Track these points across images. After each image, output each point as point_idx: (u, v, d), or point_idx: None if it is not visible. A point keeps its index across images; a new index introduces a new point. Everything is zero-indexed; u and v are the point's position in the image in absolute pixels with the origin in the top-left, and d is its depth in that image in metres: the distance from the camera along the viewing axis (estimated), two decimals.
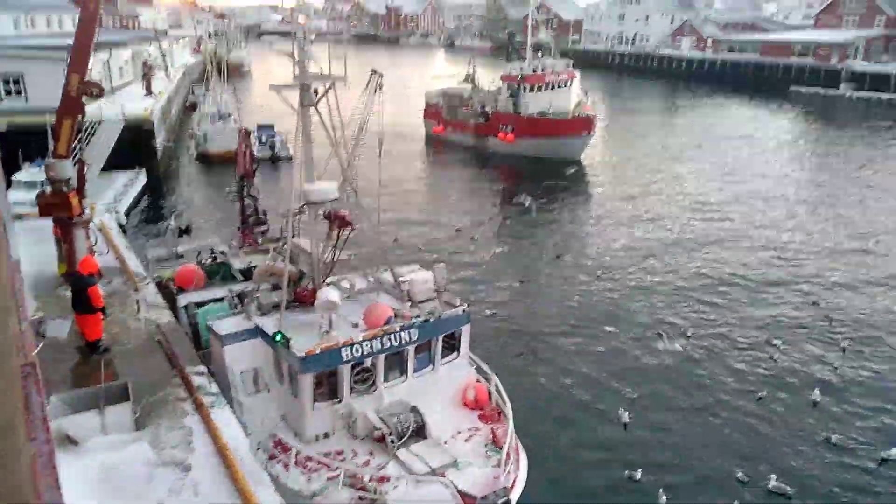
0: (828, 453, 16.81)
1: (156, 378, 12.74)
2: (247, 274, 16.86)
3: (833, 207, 38.36)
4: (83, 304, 13.31)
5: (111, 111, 37.91)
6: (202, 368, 13.13)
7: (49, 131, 16.92)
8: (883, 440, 17.19)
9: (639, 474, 15.75)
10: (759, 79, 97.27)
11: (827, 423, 17.93)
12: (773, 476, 15.56)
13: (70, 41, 17.04)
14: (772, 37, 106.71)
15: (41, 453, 3.31)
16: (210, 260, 18.95)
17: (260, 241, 19.82)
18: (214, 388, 12.59)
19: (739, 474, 15.83)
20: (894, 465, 16.35)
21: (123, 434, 10.83)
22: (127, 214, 32.66)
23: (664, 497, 14.95)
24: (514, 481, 12.27)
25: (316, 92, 14.83)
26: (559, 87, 51.10)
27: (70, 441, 10.36)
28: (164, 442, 10.83)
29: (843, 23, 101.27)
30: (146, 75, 53.73)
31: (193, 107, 59.04)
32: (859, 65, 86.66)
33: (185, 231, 21.13)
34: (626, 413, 17.87)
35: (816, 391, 19.15)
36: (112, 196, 33.22)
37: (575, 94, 52.76)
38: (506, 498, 11.41)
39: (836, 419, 18.16)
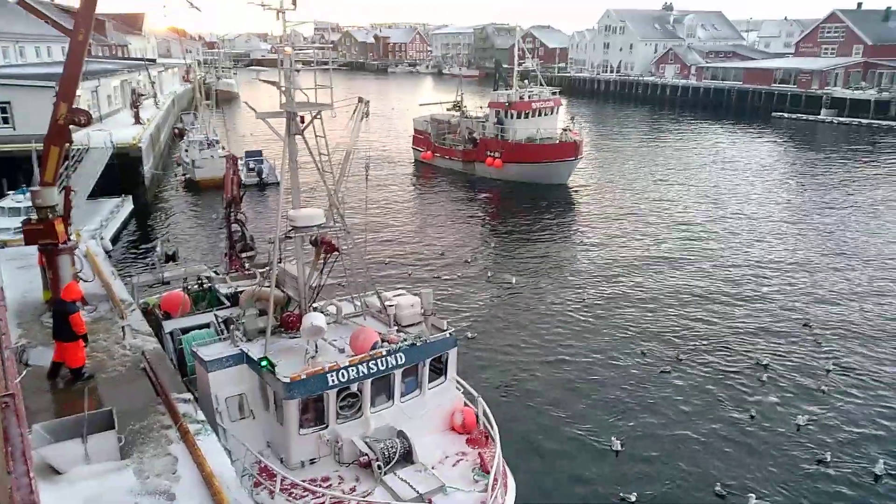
0: (817, 475, 16.80)
1: (141, 406, 12.59)
2: (233, 300, 16.77)
3: (815, 228, 38.83)
4: (65, 331, 13.19)
5: (99, 139, 38.02)
6: (188, 396, 12.99)
7: (34, 158, 16.95)
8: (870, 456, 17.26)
9: (633, 497, 15.68)
10: (742, 105, 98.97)
11: (815, 445, 17.96)
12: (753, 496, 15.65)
13: (58, 70, 17.14)
14: (753, 64, 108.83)
15: (19, 486, 3.28)
16: (196, 286, 18.89)
17: (247, 266, 19.77)
18: (200, 415, 12.45)
19: (724, 492, 15.78)
20: (886, 482, 16.39)
21: (107, 463, 10.66)
22: (113, 241, 32.54)
23: None
24: None
25: (302, 120, 14.99)
26: (546, 113, 51.74)
27: (53, 470, 10.19)
28: (148, 470, 10.66)
29: (822, 51, 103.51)
30: (135, 103, 53.92)
31: (181, 134, 59.19)
32: (839, 91, 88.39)
33: (171, 257, 21.04)
34: (618, 441, 17.72)
35: (804, 414, 19.25)
36: (98, 222, 33.11)
37: (561, 121, 53.43)
38: None
39: (823, 440, 18.20)
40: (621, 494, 15.89)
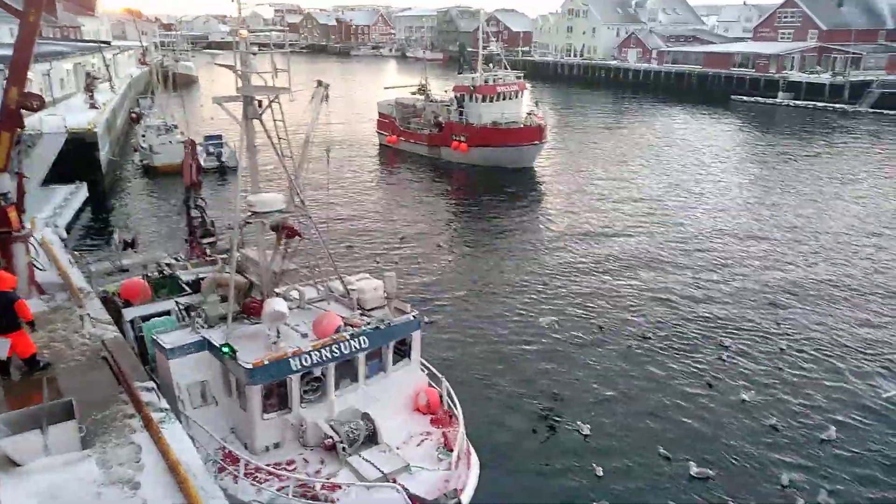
0: (762, 443, 17.41)
1: (102, 395, 12.36)
2: (195, 286, 16.54)
3: (771, 205, 39.88)
4: (8, 321, 12.81)
5: (52, 124, 36.90)
6: (150, 384, 12.81)
7: None
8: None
9: (601, 471, 16.07)
10: (703, 88, 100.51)
11: (761, 416, 18.60)
12: (694, 463, 16.35)
13: (7, 52, 16.58)
14: (713, 48, 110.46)
15: None
16: (157, 273, 18.58)
17: (209, 252, 19.49)
18: (164, 403, 12.30)
19: (694, 470, 16.28)
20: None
21: (68, 454, 10.48)
22: (68, 229, 31.65)
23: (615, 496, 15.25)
24: (465, 483, 12.39)
25: (260, 104, 14.83)
26: (511, 97, 51.83)
27: (12, 463, 9.99)
28: (111, 460, 10.51)
29: (780, 35, 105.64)
30: (89, 87, 52.38)
31: (138, 119, 57.74)
32: (795, 75, 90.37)
33: (130, 244, 20.58)
34: (586, 425, 17.84)
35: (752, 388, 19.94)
36: (52, 210, 32.17)
37: (526, 105, 53.58)
38: (456, 499, 11.49)
39: (770, 410, 18.85)
40: (588, 467, 16.29)
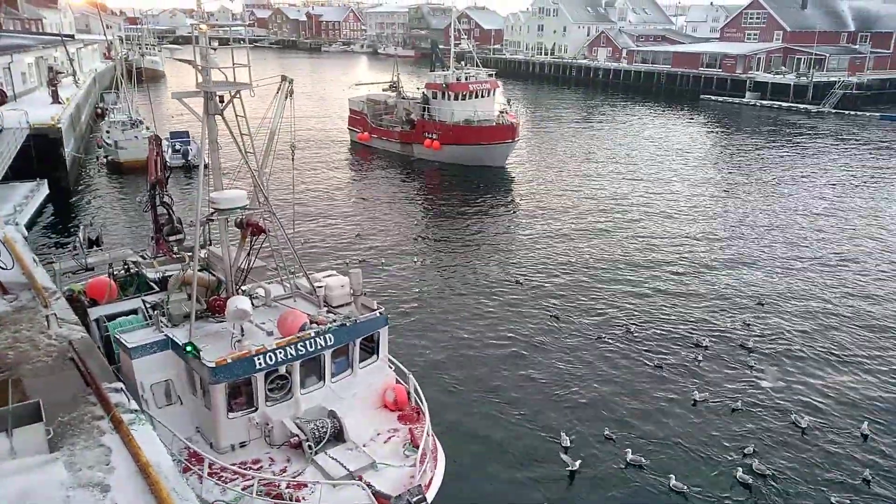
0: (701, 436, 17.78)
1: (69, 397, 12.13)
2: (163, 284, 16.31)
3: (737, 201, 40.63)
4: None
5: (13, 118, 35.95)
6: (119, 385, 12.59)
7: None
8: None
9: (577, 464, 16.31)
10: (672, 88, 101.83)
11: (708, 414, 18.99)
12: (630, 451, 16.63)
13: None
14: (682, 48, 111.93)
15: None
16: (123, 271, 18.25)
17: (175, 250, 19.20)
18: (133, 405, 12.11)
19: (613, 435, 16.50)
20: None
21: (35, 456, 10.24)
22: (28, 227, 30.87)
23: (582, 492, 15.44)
24: (430, 480, 12.46)
25: (222, 99, 14.68)
26: (483, 95, 51.93)
27: None
28: (80, 463, 10.32)
29: (746, 36, 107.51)
30: (52, 81, 51.12)
31: (103, 114, 56.51)
32: (761, 76, 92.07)
33: (94, 242, 20.15)
34: (568, 438, 17.53)
35: (701, 389, 20.27)
36: (12, 207, 31.33)
37: (498, 103, 53.73)
38: (420, 496, 11.52)
39: (720, 412, 19.25)
40: (556, 463, 16.53)
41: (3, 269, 16.77)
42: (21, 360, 13.47)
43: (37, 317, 15.47)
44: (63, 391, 12.30)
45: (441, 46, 69.83)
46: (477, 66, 55.61)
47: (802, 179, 48.21)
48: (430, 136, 51.24)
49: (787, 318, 25.29)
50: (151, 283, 16.91)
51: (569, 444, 17.24)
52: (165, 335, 13.62)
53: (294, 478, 12.05)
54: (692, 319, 25.03)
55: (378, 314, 14.69)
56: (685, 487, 15.78)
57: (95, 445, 10.79)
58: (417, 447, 12.84)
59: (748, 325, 24.59)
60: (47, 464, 10.15)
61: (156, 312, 14.40)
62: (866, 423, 18.45)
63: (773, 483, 16.18)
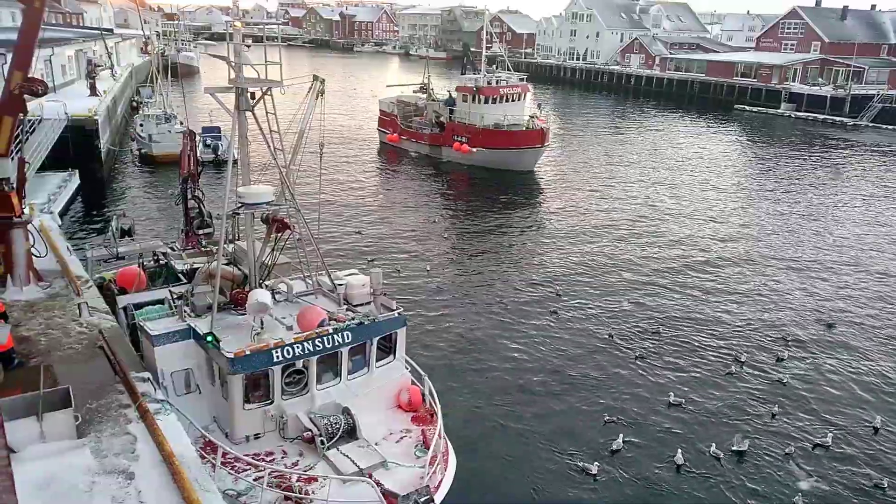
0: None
1: (98, 384, 12.36)
2: (190, 276, 16.62)
3: (769, 213, 40.00)
4: None
5: (53, 110, 36.71)
6: (146, 374, 12.81)
7: None
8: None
9: (594, 468, 16.08)
10: (705, 97, 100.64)
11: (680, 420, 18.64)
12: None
13: (8, 36, 16.54)
14: (717, 57, 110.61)
15: None
16: (153, 262, 18.61)
17: (204, 243, 19.49)
18: (160, 394, 12.31)
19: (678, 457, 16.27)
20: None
21: (64, 441, 10.46)
22: (61, 216, 31.51)
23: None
24: (440, 482, 12.50)
25: (253, 96, 14.89)
26: (513, 99, 51.82)
27: (8, 449, 9.93)
28: (106, 449, 10.50)
29: (783, 46, 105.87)
30: (91, 74, 52.16)
31: (138, 108, 57.54)
32: (797, 87, 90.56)
33: (126, 232, 20.58)
34: (591, 463, 16.79)
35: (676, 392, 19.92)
36: (46, 196, 32.00)
37: (529, 108, 53.53)
38: (428, 497, 11.52)
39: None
40: (580, 464, 16.44)
41: (37, 256, 17.13)
42: (53, 347, 13.76)
43: (69, 304, 15.79)
44: (92, 379, 12.54)
45: (473, 49, 69.77)
46: (508, 69, 55.56)
47: (839, 193, 47.29)
48: (459, 139, 51.27)
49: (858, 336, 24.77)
50: (179, 275, 17.21)
51: (594, 467, 16.74)
52: (188, 325, 13.86)
53: (305, 472, 12.22)
54: (731, 328, 24.66)
55: (397, 314, 14.78)
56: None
57: (122, 433, 10.98)
58: (429, 448, 12.90)
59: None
60: (75, 449, 10.36)
61: (180, 302, 14.67)
62: None
63: None
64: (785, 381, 21.26)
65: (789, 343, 23.92)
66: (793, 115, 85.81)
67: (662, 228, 37.62)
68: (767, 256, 33.45)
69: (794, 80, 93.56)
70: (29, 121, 31.55)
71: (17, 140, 17.30)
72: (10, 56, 16.72)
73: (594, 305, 26.53)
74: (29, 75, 15.79)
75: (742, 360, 22.37)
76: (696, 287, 29.03)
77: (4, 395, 10.90)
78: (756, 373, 21.76)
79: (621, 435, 17.79)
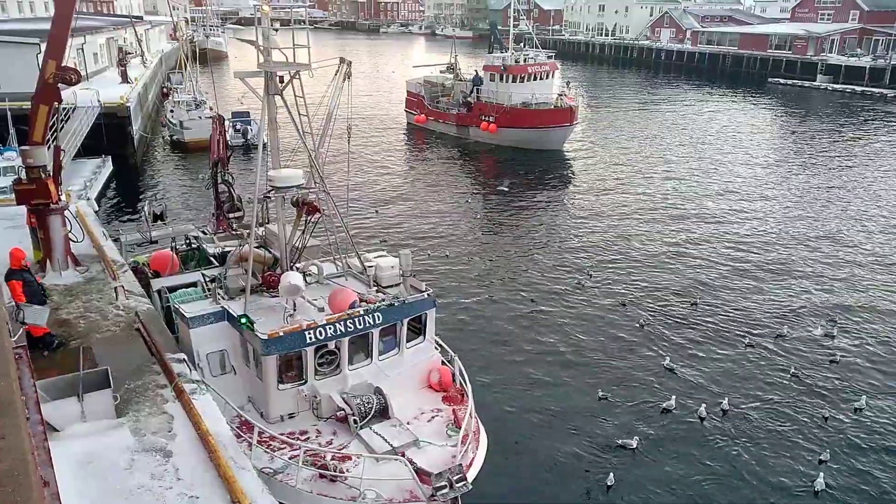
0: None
1: (135, 365, 12.69)
2: (221, 259, 16.90)
3: (808, 192, 39.10)
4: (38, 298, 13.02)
5: (86, 98, 37.38)
6: (181, 355, 13.11)
7: (9, 118, 16.64)
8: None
9: (611, 479, 15.50)
10: (737, 70, 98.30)
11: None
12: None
13: (42, 26, 16.84)
14: (749, 29, 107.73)
15: (35, 432, 3.36)
16: (185, 245, 18.97)
17: (235, 226, 19.79)
18: (195, 375, 12.60)
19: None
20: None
21: (103, 421, 10.80)
22: (98, 202, 32.24)
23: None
24: (471, 461, 12.59)
25: (281, 80, 14.98)
26: (541, 78, 51.21)
27: (51, 427, 10.29)
28: (144, 429, 10.81)
29: (819, 17, 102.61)
30: (122, 61, 52.92)
31: (168, 94, 58.25)
32: (834, 58, 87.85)
33: (159, 217, 21.04)
34: (631, 438, 16.82)
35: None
36: (82, 183, 32.72)
37: (557, 86, 52.88)
38: (461, 475, 11.61)
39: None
40: (619, 441, 16.46)
41: (74, 241, 17.57)
42: (92, 329, 14.15)
43: (106, 288, 16.19)
44: (129, 360, 12.87)
45: (499, 28, 68.92)
46: (536, 47, 54.84)
47: (879, 168, 45.97)
48: (486, 118, 50.93)
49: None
50: (211, 258, 17.55)
51: (633, 441, 16.70)
52: (222, 307, 14.10)
53: (339, 450, 12.42)
54: (768, 308, 24.29)
55: (426, 296, 14.85)
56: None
57: (159, 412, 11.28)
58: (460, 428, 12.99)
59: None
60: (114, 428, 10.69)
61: (214, 285, 14.95)
62: None
63: None
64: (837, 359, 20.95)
65: (836, 320, 23.53)
66: (829, 88, 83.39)
67: (697, 206, 37.03)
68: (806, 234, 32.76)
69: (831, 52, 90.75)
70: (63, 109, 32.23)
71: (53, 128, 17.64)
72: (44, 46, 17.02)
73: (625, 288, 26.24)
74: (62, 64, 16.08)
75: (784, 333, 22.17)
76: (745, 273, 28.45)
77: (47, 375, 11.28)
78: (801, 346, 21.45)
79: (663, 419, 17.71)
